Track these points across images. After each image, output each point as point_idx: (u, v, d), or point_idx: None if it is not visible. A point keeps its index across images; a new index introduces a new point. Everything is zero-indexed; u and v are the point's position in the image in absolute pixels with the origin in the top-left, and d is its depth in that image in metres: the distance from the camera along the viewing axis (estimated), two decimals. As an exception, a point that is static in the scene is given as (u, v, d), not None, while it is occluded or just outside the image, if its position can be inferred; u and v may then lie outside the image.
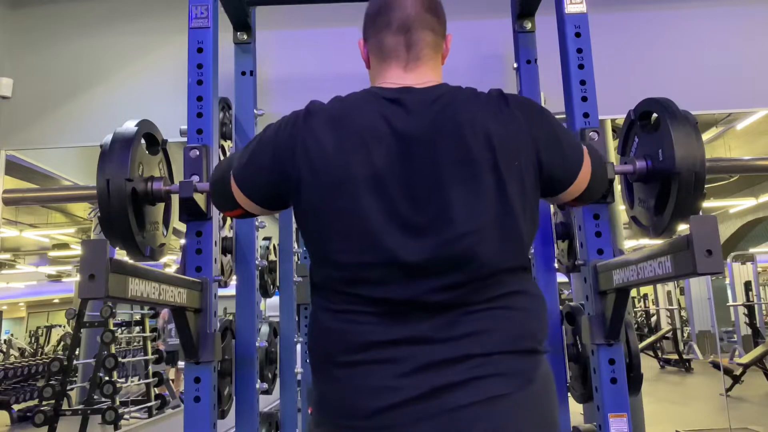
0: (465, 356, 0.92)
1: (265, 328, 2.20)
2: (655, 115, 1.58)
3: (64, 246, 12.97)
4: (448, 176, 0.95)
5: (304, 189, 0.98)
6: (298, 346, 2.93)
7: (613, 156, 4.44)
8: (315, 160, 0.97)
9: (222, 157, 1.95)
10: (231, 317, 1.92)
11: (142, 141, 1.62)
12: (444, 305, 0.94)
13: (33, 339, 17.67)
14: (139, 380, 7.66)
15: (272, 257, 2.65)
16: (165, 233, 1.74)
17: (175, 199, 1.60)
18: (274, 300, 2.71)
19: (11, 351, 14.36)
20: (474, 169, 0.95)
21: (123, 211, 1.46)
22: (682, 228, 1.33)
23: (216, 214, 1.67)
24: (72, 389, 6.26)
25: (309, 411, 2.81)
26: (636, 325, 12.84)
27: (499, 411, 0.91)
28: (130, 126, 1.58)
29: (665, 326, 11.98)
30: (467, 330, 0.94)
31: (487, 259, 0.95)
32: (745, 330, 10.03)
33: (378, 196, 0.94)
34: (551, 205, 1.98)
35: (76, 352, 6.06)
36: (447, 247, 0.93)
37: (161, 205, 1.69)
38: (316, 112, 1.02)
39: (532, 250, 1.97)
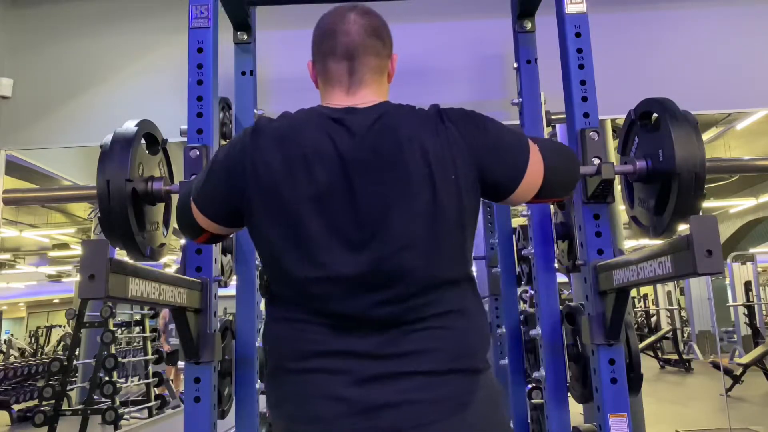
0: (403, 374, 0.97)
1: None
2: (655, 115, 1.58)
3: (64, 246, 12.98)
4: (387, 194, 0.99)
5: (254, 206, 1.03)
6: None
7: (613, 156, 4.44)
8: (262, 178, 1.01)
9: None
10: (231, 317, 1.92)
11: (142, 141, 1.62)
12: (385, 322, 0.99)
13: (33, 339, 17.68)
14: (139, 380, 7.67)
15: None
16: (165, 233, 1.74)
17: (176, 199, 1.60)
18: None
19: (11, 351, 14.37)
20: (411, 186, 0.99)
21: (123, 211, 1.46)
22: (682, 228, 1.33)
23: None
24: (72, 389, 6.26)
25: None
26: (636, 326, 12.84)
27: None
28: (130, 126, 1.58)
29: (665, 326, 11.99)
30: (407, 349, 0.98)
31: (421, 273, 0.99)
32: (745, 330, 10.03)
33: (321, 215, 0.99)
34: (551, 206, 1.98)
35: (76, 353, 6.06)
36: (383, 261, 0.98)
37: (161, 205, 1.69)
38: (263, 130, 1.06)
39: (532, 250, 1.97)
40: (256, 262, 1.96)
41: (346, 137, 1.02)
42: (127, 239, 1.51)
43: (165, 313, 7.81)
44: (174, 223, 1.74)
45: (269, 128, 1.06)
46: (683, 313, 13.07)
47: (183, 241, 1.65)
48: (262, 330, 1.12)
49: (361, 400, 0.96)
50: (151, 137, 1.69)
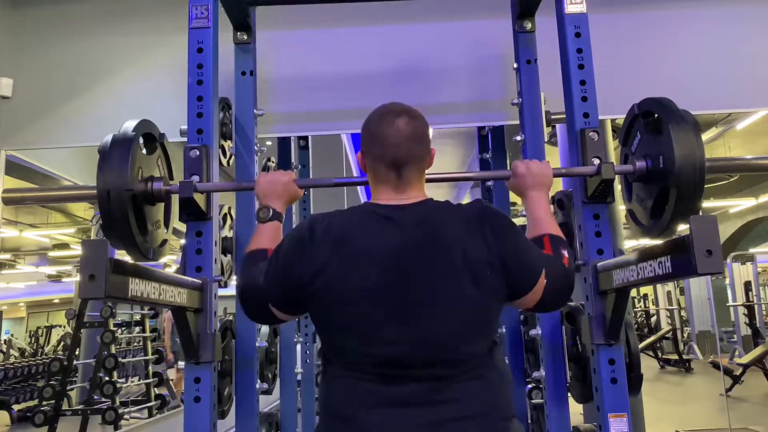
0: (451, 419, 1.11)
1: (265, 328, 2.20)
2: (656, 114, 1.58)
3: (64, 246, 12.98)
4: (433, 285, 1.14)
5: (315, 299, 1.18)
6: (298, 347, 2.94)
7: (612, 156, 4.44)
8: (322, 276, 1.15)
9: (222, 157, 1.95)
10: (231, 317, 1.92)
11: (140, 140, 1.62)
12: (429, 378, 1.14)
13: (33, 339, 17.69)
14: (139, 380, 7.67)
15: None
16: (166, 230, 1.76)
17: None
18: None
19: (11, 351, 14.38)
20: (454, 279, 1.15)
21: (124, 217, 1.48)
22: (682, 228, 1.33)
23: (216, 215, 1.67)
24: (72, 389, 6.26)
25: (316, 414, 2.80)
26: (636, 326, 12.84)
27: None
28: (128, 129, 1.57)
29: (665, 326, 11.98)
30: (450, 396, 1.13)
31: (459, 347, 1.16)
32: (745, 330, 10.04)
33: (375, 305, 1.14)
34: (551, 206, 1.98)
35: (76, 353, 6.06)
36: (426, 340, 1.13)
37: (161, 204, 1.69)
38: (321, 232, 1.20)
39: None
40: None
41: (396, 233, 1.18)
42: (129, 243, 1.52)
43: (168, 317, 7.77)
44: (174, 223, 1.75)
45: (325, 231, 1.19)
46: (683, 313, 13.07)
47: (183, 241, 1.65)
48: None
49: None
50: (148, 136, 1.68)
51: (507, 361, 2.43)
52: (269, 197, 1.44)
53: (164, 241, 1.72)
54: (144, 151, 1.65)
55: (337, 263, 1.15)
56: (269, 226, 1.40)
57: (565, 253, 1.30)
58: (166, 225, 1.76)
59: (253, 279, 1.27)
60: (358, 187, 5.28)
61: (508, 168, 1.58)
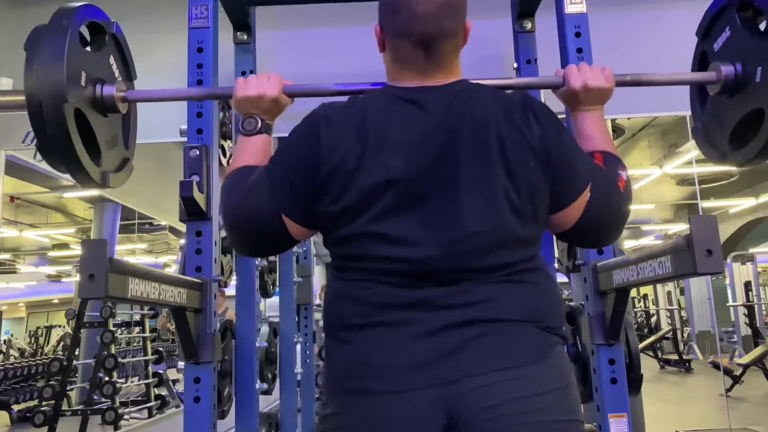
0: (476, 320, 0.94)
1: (265, 328, 2.20)
2: (759, 6, 1.23)
3: (64, 246, 12.97)
4: (463, 177, 0.97)
5: (332, 196, 0.99)
6: (298, 347, 2.94)
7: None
8: (342, 168, 0.98)
9: (222, 157, 1.95)
10: (230, 318, 1.91)
11: (81, 32, 1.29)
12: (455, 278, 0.97)
13: (33, 339, 17.67)
14: (139, 380, 7.67)
15: (272, 257, 2.66)
16: (127, 147, 1.46)
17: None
18: (274, 300, 2.71)
19: (11, 351, 14.37)
20: (487, 172, 0.97)
21: (63, 135, 1.16)
22: (683, 228, 1.32)
23: (216, 214, 1.67)
24: (72, 389, 6.26)
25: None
26: (636, 326, 12.84)
27: (511, 383, 0.92)
28: (61, 17, 1.22)
29: (665, 326, 11.97)
30: (479, 298, 0.96)
31: (496, 258, 0.98)
32: (745, 330, 10.02)
33: (399, 203, 0.97)
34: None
35: (76, 353, 6.06)
36: (456, 244, 0.96)
37: (118, 115, 1.40)
38: (336, 119, 1.02)
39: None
40: (256, 263, 1.96)
41: (422, 117, 1.00)
42: (73, 167, 1.21)
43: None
44: (174, 222, 1.74)
45: (342, 118, 1.02)
46: (683, 313, 13.06)
47: (183, 241, 1.65)
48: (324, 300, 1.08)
49: (428, 351, 0.93)
50: (95, 27, 1.36)
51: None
52: (253, 112, 1.20)
53: (124, 162, 1.43)
54: (89, 47, 1.34)
55: (360, 155, 0.97)
56: (257, 139, 1.17)
57: (623, 174, 1.07)
58: (126, 142, 1.45)
59: (250, 191, 1.04)
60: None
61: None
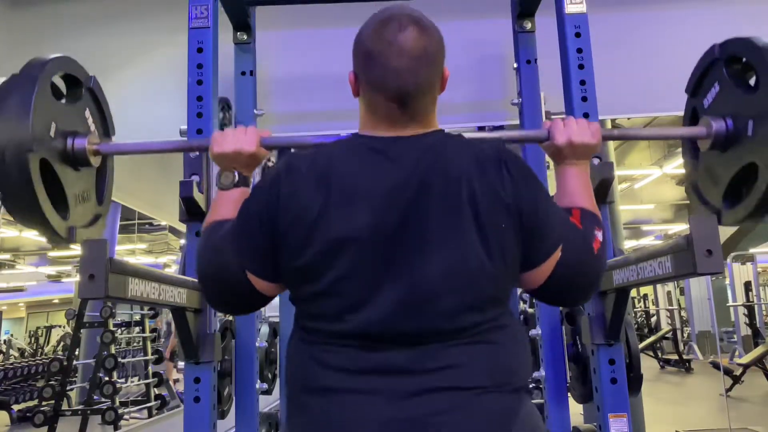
0: (439, 389, 0.89)
1: (265, 328, 2.20)
2: (746, 60, 1.22)
3: (64, 246, 12.97)
4: (432, 237, 0.92)
5: (292, 252, 0.95)
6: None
7: (613, 156, 4.44)
8: (302, 221, 0.93)
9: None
10: (231, 317, 1.92)
11: (53, 82, 1.26)
12: (420, 337, 0.92)
13: (33, 339, 17.67)
14: (138, 380, 7.67)
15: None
16: (100, 203, 1.41)
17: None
18: (274, 300, 2.71)
19: (11, 351, 14.37)
20: (458, 231, 0.92)
21: (27, 187, 1.11)
22: (683, 228, 1.32)
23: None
24: (72, 389, 6.27)
25: None
26: (636, 326, 12.84)
27: None
28: (33, 66, 1.19)
29: (665, 326, 11.99)
30: (444, 363, 0.91)
31: (465, 319, 0.93)
32: (745, 330, 10.03)
33: (362, 260, 0.92)
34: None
35: (76, 353, 6.06)
36: (422, 309, 0.92)
37: (92, 172, 1.37)
38: (298, 169, 0.97)
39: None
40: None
41: (391, 170, 0.94)
42: (37, 221, 1.17)
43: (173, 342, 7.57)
44: (173, 222, 1.74)
45: (306, 167, 0.97)
46: (683, 313, 13.07)
47: (183, 241, 1.64)
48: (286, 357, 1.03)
49: (396, 416, 0.88)
50: (70, 79, 1.34)
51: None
52: (230, 167, 1.16)
53: (96, 218, 1.39)
54: (63, 99, 1.31)
55: (322, 207, 0.92)
56: (234, 193, 1.13)
57: (599, 235, 1.02)
58: (100, 197, 1.41)
59: (216, 248, 1.02)
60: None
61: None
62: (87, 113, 1.36)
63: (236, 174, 1.15)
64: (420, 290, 0.91)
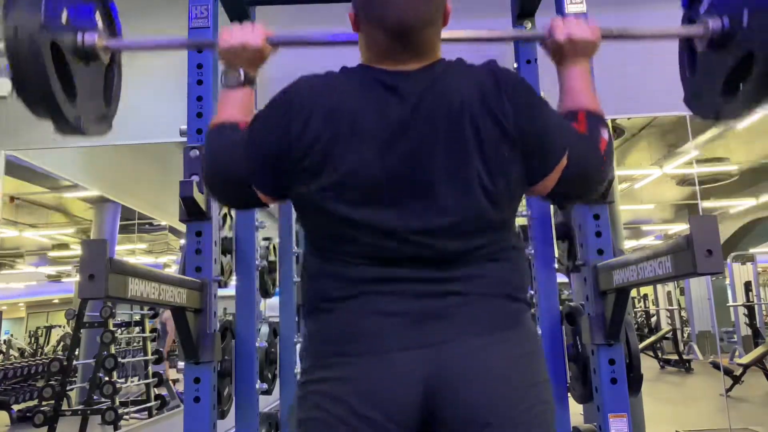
0: (453, 293, 0.97)
1: (265, 329, 2.20)
2: None
3: (64, 246, 12.98)
4: (439, 168, 0.97)
5: (305, 178, 0.99)
6: (298, 347, 2.93)
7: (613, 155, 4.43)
8: (315, 150, 0.97)
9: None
10: (231, 317, 1.92)
11: None
12: (433, 262, 0.99)
13: (33, 339, 17.67)
14: (138, 380, 7.67)
15: (272, 257, 2.65)
16: (108, 105, 1.41)
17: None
18: (274, 300, 2.71)
19: (11, 351, 14.37)
20: (463, 162, 0.97)
21: (40, 68, 1.11)
22: (683, 228, 1.32)
23: (216, 215, 1.67)
24: (72, 389, 6.26)
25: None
26: (636, 326, 12.84)
27: (485, 349, 0.96)
28: None
29: (665, 326, 11.98)
30: (456, 275, 0.98)
31: (470, 241, 1.00)
32: (745, 330, 10.02)
33: (374, 191, 0.97)
34: (551, 206, 1.98)
35: (76, 353, 6.06)
36: (434, 233, 0.98)
37: (100, 69, 1.36)
38: (310, 97, 1.00)
39: (532, 250, 1.97)
40: (256, 263, 1.96)
41: (398, 105, 0.98)
42: (47, 104, 1.16)
43: (170, 328, 7.67)
44: (173, 222, 1.74)
45: (317, 94, 1.00)
46: (683, 313, 13.06)
47: (182, 242, 1.65)
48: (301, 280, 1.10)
49: (408, 317, 0.95)
50: None
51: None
52: (236, 63, 1.16)
53: (102, 117, 1.37)
54: None
55: (333, 139, 0.96)
56: (240, 93, 1.14)
57: (604, 134, 1.07)
58: (108, 99, 1.40)
59: (227, 152, 1.04)
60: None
61: None
62: (98, 12, 1.37)
63: (242, 73, 1.14)
64: (430, 218, 0.97)
